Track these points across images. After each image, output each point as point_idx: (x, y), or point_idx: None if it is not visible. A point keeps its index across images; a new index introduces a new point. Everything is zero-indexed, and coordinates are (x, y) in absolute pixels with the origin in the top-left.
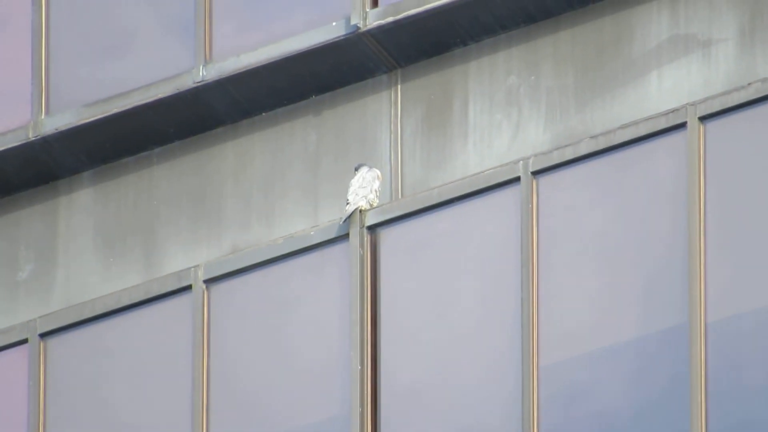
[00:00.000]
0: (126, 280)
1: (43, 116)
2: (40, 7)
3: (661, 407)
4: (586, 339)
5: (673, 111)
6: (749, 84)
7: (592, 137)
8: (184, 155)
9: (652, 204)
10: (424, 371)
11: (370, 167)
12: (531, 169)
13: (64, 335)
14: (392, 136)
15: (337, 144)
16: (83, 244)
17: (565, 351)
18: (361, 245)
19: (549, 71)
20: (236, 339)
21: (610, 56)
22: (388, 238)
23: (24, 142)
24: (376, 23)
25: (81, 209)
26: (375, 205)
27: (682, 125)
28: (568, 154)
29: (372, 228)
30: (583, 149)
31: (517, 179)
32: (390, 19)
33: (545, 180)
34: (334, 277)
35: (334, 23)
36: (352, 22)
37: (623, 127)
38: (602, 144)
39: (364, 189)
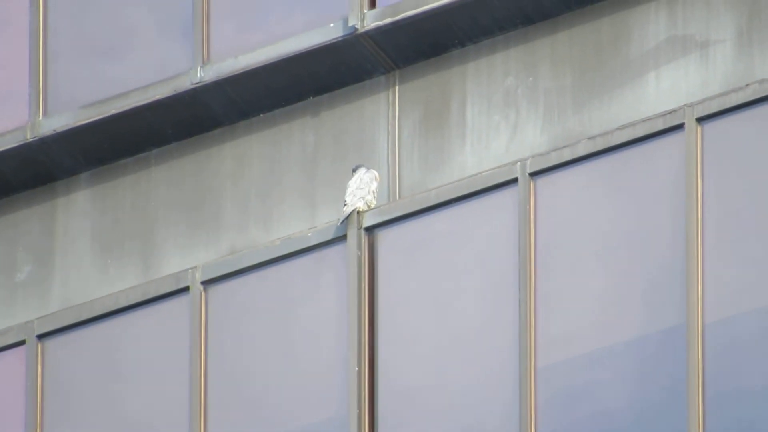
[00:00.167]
0: (124, 282)
1: (40, 117)
2: (37, 8)
3: (659, 408)
4: (583, 340)
5: (671, 112)
6: (747, 85)
7: (589, 138)
8: (182, 156)
9: (650, 205)
10: (421, 372)
11: (368, 168)
12: (529, 171)
13: (61, 337)
14: (390, 137)
15: (334, 145)
16: (81, 245)
17: (562, 352)
18: (359, 247)
19: (547, 72)
20: (234, 340)
21: (608, 57)
22: (385, 239)
23: (22, 143)
24: (373, 24)
25: (79, 210)
26: (373, 206)
27: (679, 126)
28: (566, 155)
29: (370, 229)
30: (581, 150)
31: (515, 180)
32: (388, 20)
33: (543, 181)
34: (331, 278)
35: (331, 24)
36: (350, 24)
37: (621, 128)
38: (600, 145)
39: (362, 190)
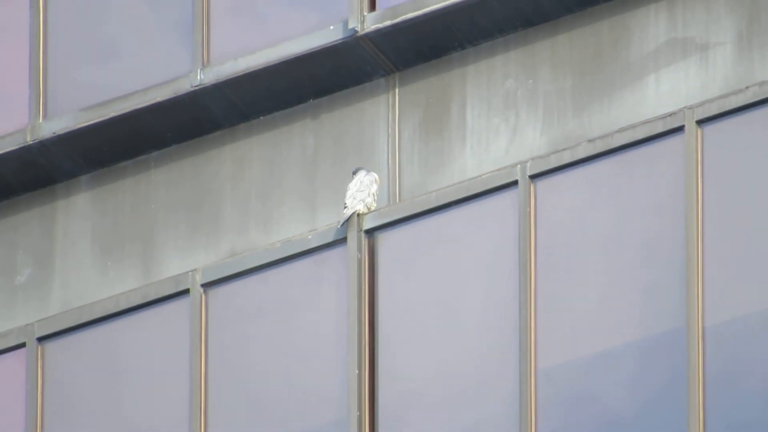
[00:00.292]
0: (124, 284)
1: (40, 120)
2: (37, 11)
3: (659, 410)
4: (584, 342)
5: (671, 114)
6: (747, 87)
7: (589, 141)
8: (181, 159)
9: (650, 207)
10: (421, 375)
11: (368, 171)
12: (529, 173)
13: (61, 339)
14: (390, 139)
15: (334, 148)
16: (81, 247)
17: (562, 354)
18: (359, 249)
19: (547, 75)
20: (234, 343)
21: (608, 60)
22: (385, 241)
23: (22, 145)
24: (373, 27)
25: (79, 213)
26: (373, 208)
27: (679, 129)
28: (566, 157)
29: (370, 232)
30: (581, 153)
31: (515, 183)
32: (388, 22)
33: (543, 184)
34: (331, 280)
35: (331, 27)
36: (350, 26)
37: (621, 130)
38: (600, 148)
39: (362, 193)
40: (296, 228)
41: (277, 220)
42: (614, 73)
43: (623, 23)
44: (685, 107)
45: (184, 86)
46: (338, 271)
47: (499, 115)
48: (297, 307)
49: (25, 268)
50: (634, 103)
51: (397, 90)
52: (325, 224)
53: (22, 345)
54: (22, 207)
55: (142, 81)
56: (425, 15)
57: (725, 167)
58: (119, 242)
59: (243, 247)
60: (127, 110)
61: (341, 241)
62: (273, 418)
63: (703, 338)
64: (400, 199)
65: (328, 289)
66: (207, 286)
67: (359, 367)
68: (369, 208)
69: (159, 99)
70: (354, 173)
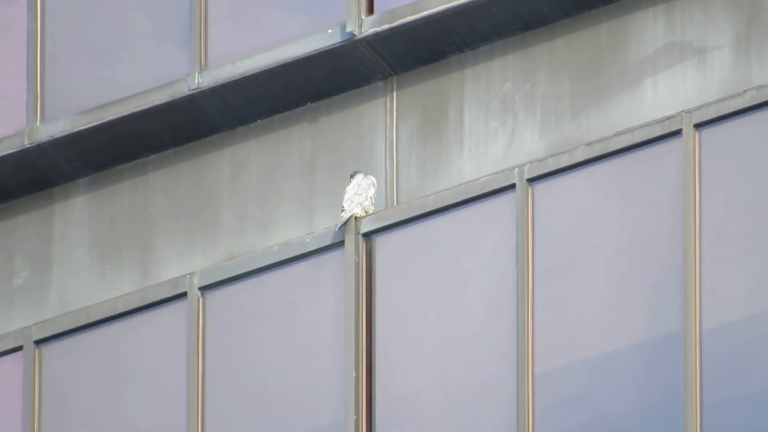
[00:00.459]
0: (121, 287)
1: (38, 123)
2: (35, 14)
3: (657, 415)
4: (581, 347)
5: (669, 118)
6: (745, 91)
7: (587, 144)
8: (179, 162)
9: (648, 211)
10: (419, 378)
11: (366, 174)
12: (526, 177)
13: (59, 342)
14: (388, 143)
15: (332, 151)
16: (79, 250)
17: (560, 359)
18: (357, 252)
19: (544, 78)
20: (232, 346)
21: (606, 63)
22: (383, 245)
23: (19, 149)
24: (371, 30)
25: (76, 216)
26: (370, 212)
27: (677, 132)
28: (564, 161)
29: (367, 235)
30: (579, 156)
31: (513, 186)
32: (386, 26)
33: (541, 187)
34: (329, 284)
35: (329, 30)
36: (348, 30)
37: (619, 134)
38: (598, 151)
39: (360, 196)
40: (294, 231)
41: (274, 223)
42: (612, 76)
43: (621, 27)
44: (683, 111)
45: (182, 89)
46: (336, 275)
47: (496, 118)
48: (294, 310)
49: (22, 270)
50: (632, 106)
51: (395, 93)
52: (323, 227)
53: (20, 348)
54: (19, 210)
55: (140, 84)
56: (423, 19)
57: (723, 171)
58: (117, 245)
59: (241, 250)
60: (125, 113)
61: (339, 244)
62: (270, 421)
63: (701, 342)
64: (397, 203)
65: (325, 292)
66: (204, 289)
67: (356, 370)
68: (366, 212)
69: (157, 102)
70: (351, 176)
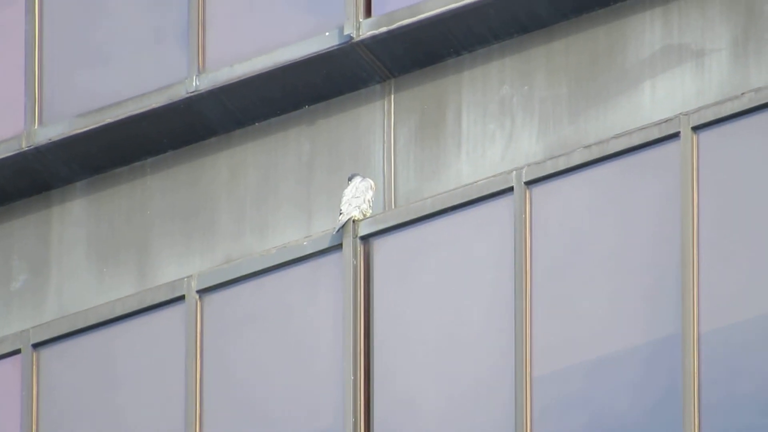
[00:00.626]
0: (119, 291)
1: (36, 126)
2: (33, 17)
3: (655, 417)
4: (579, 349)
5: (667, 121)
6: (742, 94)
7: (585, 147)
8: (177, 165)
9: (646, 214)
10: (417, 381)
11: (364, 177)
12: (524, 179)
13: (57, 345)
14: (385, 145)
15: (330, 154)
16: (77, 254)
17: (558, 361)
18: (355, 255)
19: (542, 81)
20: (230, 349)
21: (604, 66)
22: (381, 248)
23: (17, 152)
24: (369, 33)
25: (74, 219)
26: (368, 215)
27: (675, 135)
28: (562, 164)
29: (365, 238)
30: (577, 159)
31: (511, 189)
32: (383, 29)
33: (538, 190)
34: (327, 287)
35: (327, 33)
36: (346, 32)
37: (616, 136)
38: (595, 154)
39: (358, 199)
40: (292, 234)
41: (272, 226)
42: (610, 79)
43: (619, 30)
44: (680, 113)
45: (180, 92)
46: (334, 278)
47: (494, 121)
48: (292, 313)
49: (20, 274)
50: (630, 109)
51: (392, 96)
52: (321, 230)
53: (18, 351)
54: (17, 213)
55: (138, 87)
56: (421, 21)
57: (721, 173)
58: (115, 248)
59: (238, 253)
60: (123, 116)
61: (337, 247)
62: (268, 424)
63: (699, 345)
64: (395, 206)
65: (323, 295)
66: (202, 292)
67: (354, 374)
68: (364, 215)
69: (154, 105)
70: (349, 179)
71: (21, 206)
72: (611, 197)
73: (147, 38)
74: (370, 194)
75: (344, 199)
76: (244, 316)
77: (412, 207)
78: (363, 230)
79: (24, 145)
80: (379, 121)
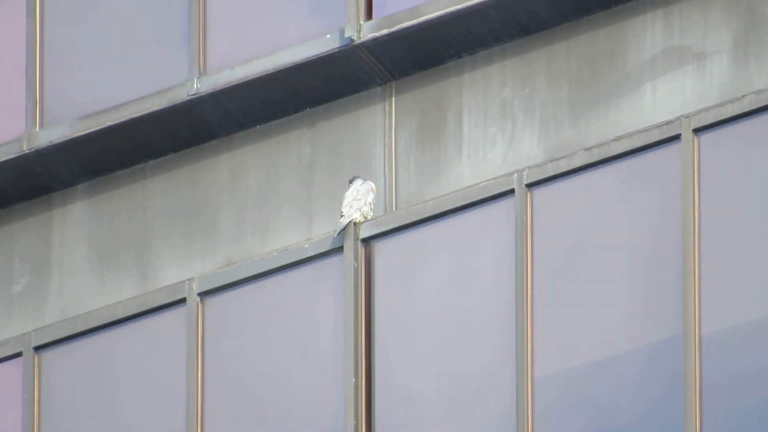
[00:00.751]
0: (120, 293)
1: (37, 129)
2: (34, 20)
3: (656, 419)
4: (580, 351)
5: (668, 123)
6: (743, 96)
7: (586, 149)
8: (178, 168)
9: (647, 216)
10: (418, 383)
11: (365, 180)
12: (525, 182)
13: (58, 348)
14: (386, 148)
15: (331, 156)
16: (78, 257)
17: (559, 363)
18: (356, 258)
19: (543, 84)
20: (231, 352)
21: (605, 68)
22: (382, 250)
23: (18, 154)
24: (370, 36)
25: (75, 222)
26: (369, 217)
27: (676, 137)
28: (563, 166)
29: (366, 240)
30: (578, 161)
31: (512, 191)
32: (384, 31)
33: (540, 192)
34: (328, 289)
35: (328, 36)
36: (347, 35)
37: (617, 139)
38: (596, 156)
39: (359, 201)
40: (293, 237)
41: (273, 228)
42: (611, 81)
43: (620, 32)
44: (681, 116)
45: (181, 95)
46: (335, 280)
47: (495, 123)
48: (294, 316)
49: (21, 277)
50: (631, 111)
51: (393, 99)
52: (322, 233)
53: (19, 354)
54: (18, 216)
55: (139, 90)
56: (422, 24)
57: (722, 175)
58: (116, 251)
59: (239, 255)
60: (124, 119)
61: (338, 249)
62: (270, 427)
63: (700, 346)
64: (396, 208)
65: (324, 297)
66: (204, 295)
67: (356, 376)
68: (365, 217)
69: (155, 108)
70: (350, 182)
71: (22, 209)
72: (612, 199)
73: (148, 41)
74: (371, 197)
75: (345, 201)
76: (245, 319)
77: (413, 209)
78: (364, 233)
79: (25, 148)
80: (380, 123)
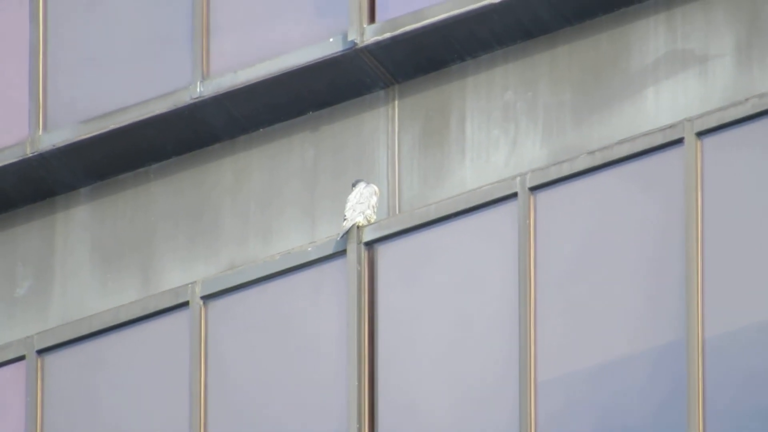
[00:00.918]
0: (123, 297)
1: (40, 132)
2: (37, 23)
3: (659, 422)
4: (584, 355)
5: (671, 126)
6: (746, 99)
7: (589, 153)
8: (181, 171)
9: (650, 219)
10: (421, 387)
11: (368, 183)
12: (528, 185)
13: (61, 352)
14: (389, 151)
15: (334, 160)
16: (81, 260)
17: (563, 366)
18: (359, 261)
19: (546, 87)
20: (234, 355)
21: (608, 72)
22: (385, 254)
23: (21, 158)
24: (373, 39)
25: (78, 225)
26: (372, 221)
27: (679, 141)
28: (565, 169)
29: (369, 244)
30: (580, 165)
31: (515, 195)
32: (387, 35)
33: (542, 196)
34: (331, 293)
35: (331, 39)
36: (350, 38)
37: (620, 142)
38: (599, 160)
39: (362, 205)
40: (296, 240)
41: (276, 232)
42: (614, 85)
43: (623, 35)
44: (684, 119)
45: (184, 99)
46: (338, 284)
47: (498, 127)
48: (296, 319)
49: (24, 280)
50: (634, 115)
51: (396, 102)
52: (325, 236)
53: (22, 357)
54: (21, 219)
55: (142, 93)
56: (425, 27)
57: (725, 179)
58: (119, 254)
59: (242, 259)
60: (127, 123)
61: (341, 253)
62: (273, 430)
63: (704, 350)
64: (399, 212)
65: (327, 301)
66: (206, 298)
67: (359, 379)
68: (369, 221)
69: (159, 111)
70: (353, 185)
71: (25, 212)
72: (615, 203)
73: (151, 44)
74: (374, 200)
75: (348, 204)
76: (248, 322)
77: (416, 213)
78: (367, 236)
79: (28, 152)
80: (383, 126)
